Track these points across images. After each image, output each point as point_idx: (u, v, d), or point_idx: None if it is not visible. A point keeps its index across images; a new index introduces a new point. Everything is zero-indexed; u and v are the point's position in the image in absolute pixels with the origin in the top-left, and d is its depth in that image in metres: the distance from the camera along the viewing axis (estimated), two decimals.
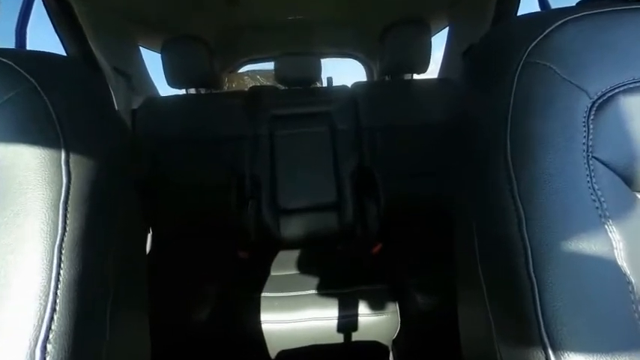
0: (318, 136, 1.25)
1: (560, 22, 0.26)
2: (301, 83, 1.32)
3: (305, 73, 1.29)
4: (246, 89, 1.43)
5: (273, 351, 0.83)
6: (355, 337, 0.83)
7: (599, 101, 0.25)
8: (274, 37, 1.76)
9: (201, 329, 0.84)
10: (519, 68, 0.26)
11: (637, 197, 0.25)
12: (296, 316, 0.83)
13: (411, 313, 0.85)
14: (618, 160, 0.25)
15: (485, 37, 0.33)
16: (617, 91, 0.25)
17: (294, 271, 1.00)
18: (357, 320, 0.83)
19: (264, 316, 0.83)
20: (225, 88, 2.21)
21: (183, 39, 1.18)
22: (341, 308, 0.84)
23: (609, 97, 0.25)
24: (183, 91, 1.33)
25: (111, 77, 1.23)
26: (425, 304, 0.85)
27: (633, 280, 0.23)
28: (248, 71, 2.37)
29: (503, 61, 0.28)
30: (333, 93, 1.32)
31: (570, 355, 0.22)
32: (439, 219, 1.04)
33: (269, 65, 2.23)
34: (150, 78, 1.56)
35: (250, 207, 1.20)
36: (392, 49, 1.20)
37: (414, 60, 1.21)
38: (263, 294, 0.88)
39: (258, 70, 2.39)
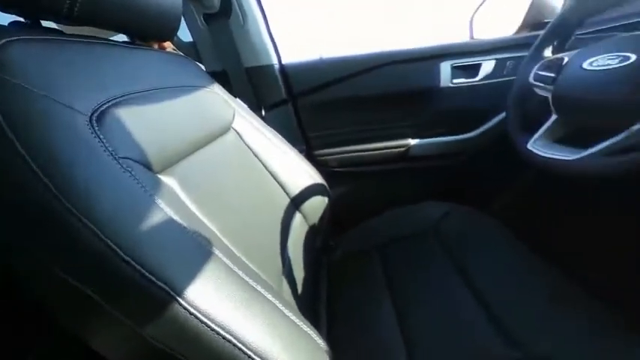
0: None
1: (4, 41, 0.26)
2: None
3: None
4: None
5: None
6: None
7: (94, 116, 0.28)
8: None
9: None
10: None
11: (157, 176, 0.33)
12: None
13: None
14: (134, 154, 0.30)
15: None
16: (106, 106, 0.30)
17: None
18: None
19: None
20: None
21: None
22: None
23: (102, 111, 0.29)
24: None
25: None
26: None
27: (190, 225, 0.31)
28: None
29: None
30: None
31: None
32: None
33: None
34: None
35: None
36: None
37: None
38: None
39: None
